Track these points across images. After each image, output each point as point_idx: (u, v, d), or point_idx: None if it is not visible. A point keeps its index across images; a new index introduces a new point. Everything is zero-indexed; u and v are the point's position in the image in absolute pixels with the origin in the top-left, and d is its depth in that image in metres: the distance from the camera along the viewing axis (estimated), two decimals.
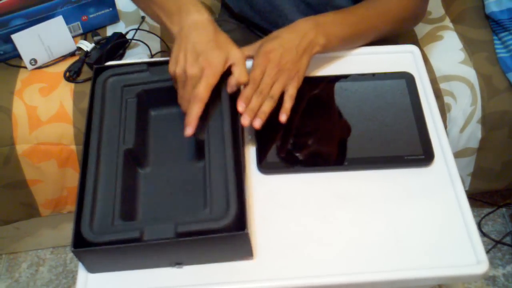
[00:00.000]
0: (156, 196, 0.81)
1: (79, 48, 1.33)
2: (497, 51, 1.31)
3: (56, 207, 1.36)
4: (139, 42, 1.35)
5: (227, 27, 1.22)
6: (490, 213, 1.61)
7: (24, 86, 1.27)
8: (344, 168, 0.85)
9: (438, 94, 1.27)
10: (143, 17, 1.41)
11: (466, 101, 1.28)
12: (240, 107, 0.82)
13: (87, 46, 1.33)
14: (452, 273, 0.75)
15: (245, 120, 0.82)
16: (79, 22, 1.35)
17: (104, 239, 0.72)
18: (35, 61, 1.29)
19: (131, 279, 0.75)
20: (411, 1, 1.01)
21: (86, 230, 0.73)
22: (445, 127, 1.24)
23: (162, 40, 1.37)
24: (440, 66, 1.30)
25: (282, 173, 0.85)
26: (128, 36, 1.34)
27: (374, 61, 0.98)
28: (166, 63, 0.85)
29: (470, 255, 0.76)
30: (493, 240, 1.56)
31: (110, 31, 1.38)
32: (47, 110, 1.24)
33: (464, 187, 0.83)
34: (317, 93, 0.95)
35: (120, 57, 1.32)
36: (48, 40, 1.27)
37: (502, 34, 1.32)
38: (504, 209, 1.63)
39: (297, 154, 0.86)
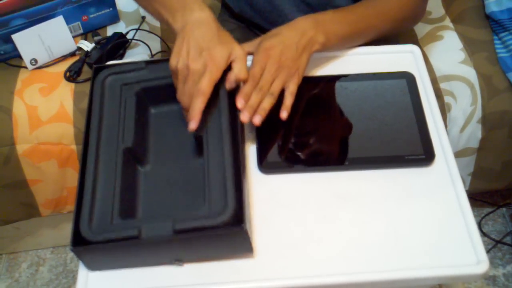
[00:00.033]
0: (156, 193, 0.81)
1: (80, 48, 1.33)
2: (497, 51, 1.31)
3: (56, 207, 1.36)
4: (139, 42, 1.35)
5: (227, 27, 1.21)
6: (490, 213, 1.61)
7: (25, 86, 1.27)
8: (345, 168, 0.85)
9: (438, 94, 1.27)
10: (143, 17, 1.41)
11: (466, 101, 1.28)
12: (239, 103, 0.82)
13: (87, 46, 1.33)
14: (452, 272, 0.75)
15: (244, 117, 0.82)
16: (79, 22, 1.35)
17: (102, 237, 0.72)
18: (36, 61, 1.29)
19: (131, 278, 0.75)
20: (410, 1, 1.01)
21: (85, 228, 0.73)
22: (445, 127, 1.24)
23: (162, 40, 1.37)
24: (440, 66, 1.30)
25: (283, 173, 0.85)
26: (129, 36, 1.34)
27: (374, 60, 0.98)
28: (165, 61, 0.85)
29: (470, 254, 0.76)
30: (493, 240, 1.56)
31: (110, 31, 1.38)
32: (48, 110, 1.24)
33: (464, 187, 0.83)
34: (317, 93, 0.95)
35: (121, 57, 1.32)
36: (48, 40, 1.27)
37: (502, 34, 1.32)
38: (504, 209, 1.63)
39: (298, 154, 0.86)
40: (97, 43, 1.33)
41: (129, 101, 0.86)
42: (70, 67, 1.29)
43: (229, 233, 0.71)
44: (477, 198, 1.61)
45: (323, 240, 0.78)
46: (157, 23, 1.42)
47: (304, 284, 0.74)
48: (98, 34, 1.37)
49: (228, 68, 0.82)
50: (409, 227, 0.79)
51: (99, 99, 0.86)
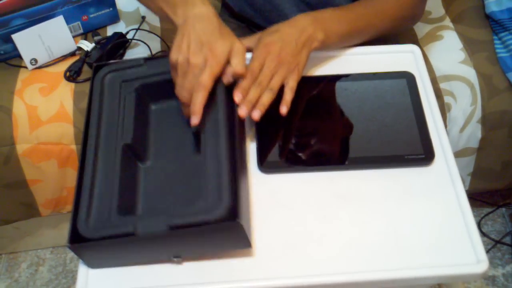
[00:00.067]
0: (155, 189, 0.81)
1: (80, 48, 1.33)
2: (497, 51, 1.31)
3: (56, 207, 1.36)
4: (139, 42, 1.35)
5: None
6: (489, 213, 1.61)
7: (25, 86, 1.27)
8: (345, 168, 0.85)
9: (438, 94, 1.27)
10: (143, 17, 1.42)
11: (466, 101, 1.29)
12: (237, 97, 0.81)
13: (87, 46, 1.33)
14: (452, 272, 0.75)
15: (242, 111, 0.81)
16: (79, 22, 1.35)
17: (98, 234, 0.72)
18: (36, 61, 1.29)
19: (131, 277, 0.75)
20: (408, 0, 1.01)
21: (82, 225, 0.73)
22: (445, 127, 1.24)
23: (162, 40, 1.37)
24: (440, 66, 1.30)
25: (283, 173, 0.85)
26: (129, 36, 1.34)
27: (374, 60, 0.99)
28: (164, 57, 0.85)
29: (470, 254, 0.76)
30: (492, 240, 1.56)
31: (110, 31, 1.38)
32: (47, 110, 1.24)
33: (464, 187, 0.83)
34: (317, 93, 0.95)
35: (121, 57, 1.32)
36: (48, 40, 1.27)
37: (502, 34, 1.32)
38: (503, 209, 1.63)
39: (298, 154, 0.86)
40: (97, 43, 1.33)
41: (128, 98, 0.86)
42: (70, 67, 1.29)
43: (224, 228, 0.70)
44: (476, 198, 1.61)
45: (323, 240, 0.78)
46: (157, 23, 1.42)
47: (304, 283, 0.74)
48: (98, 34, 1.37)
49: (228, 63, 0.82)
50: (409, 226, 0.79)
51: (99, 96, 0.86)
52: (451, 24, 1.39)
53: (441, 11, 1.43)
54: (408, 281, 0.75)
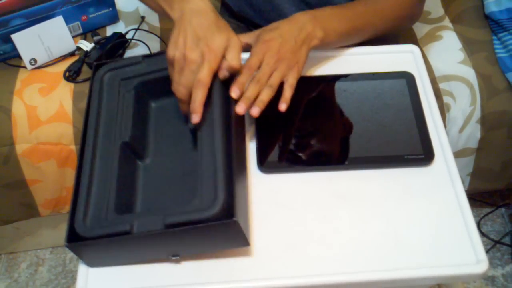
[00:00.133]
0: (153, 187, 0.81)
1: (79, 48, 1.33)
2: (496, 51, 1.31)
3: (55, 207, 1.36)
4: (138, 42, 1.35)
5: None
6: (489, 213, 1.61)
7: (24, 86, 1.27)
8: (344, 168, 0.85)
9: (438, 94, 1.27)
10: (142, 17, 1.42)
11: (465, 101, 1.29)
12: (234, 93, 0.81)
13: (86, 46, 1.33)
14: (452, 272, 0.75)
15: (240, 108, 0.80)
16: (78, 22, 1.35)
17: (95, 233, 0.72)
18: (35, 61, 1.29)
19: (131, 277, 0.75)
20: (406, 0, 1.02)
21: (79, 224, 0.73)
22: (444, 127, 1.25)
23: (162, 40, 1.37)
24: (440, 66, 1.30)
25: (283, 173, 0.85)
26: (128, 36, 1.34)
27: (374, 60, 0.99)
28: (162, 54, 0.85)
29: (469, 254, 0.76)
30: (492, 240, 1.56)
31: (110, 31, 1.38)
32: (47, 110, 1.24)
33: (464, 187, 0.83)
34: (317, 93, 0.95)
35: (120, 57, 1.32)
36: (48, 40, 1.27)
37: (501, 34, 1.32)
38: (503, 209, 1.63)
39: (298, 154, 0.86)
40: (96, 43, 1.33)
41: (127, 96, 0.85)
42: (69, 67, 1.29)
43: (220, 226, 0.70)
44: (476, 198, 1.61)
45: (323, 240, 0.78)
46: (156, 23, 1.42)
47: (303, 283, 0.74)
48: (97, 34, 1.37)
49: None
50: (409, 226, 0.79)
51: (98, 95, 0.85)
52: (450, 24, 1.39)
53: (441, 11, 1.43)
54: (407, 281, 0.75)
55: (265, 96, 0.83)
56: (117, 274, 0.76)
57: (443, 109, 1.28)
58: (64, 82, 1.27)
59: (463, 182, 1.38)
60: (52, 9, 1.29)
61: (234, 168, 0.74)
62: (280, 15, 1.11)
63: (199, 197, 0.73)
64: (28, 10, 1.27)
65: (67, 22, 1.30)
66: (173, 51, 0.80)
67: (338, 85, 0.95)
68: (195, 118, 0.78)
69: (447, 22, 1.40)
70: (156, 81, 0.87)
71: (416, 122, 0.89)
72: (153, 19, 1.42)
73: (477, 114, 1.29)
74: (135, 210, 0.79)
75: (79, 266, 0.77)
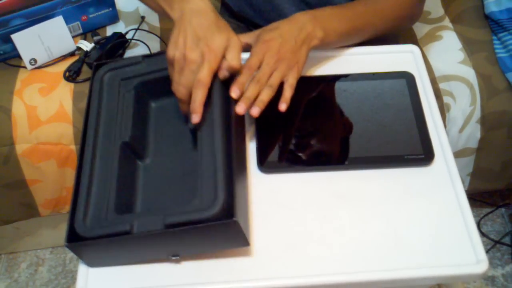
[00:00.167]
0: (153, 187, 0.81)
1: (79, 48, 1.33)
2: (496, 51, 1.31)
3: (55, 207, 1.36)
4: (138, 42, 1.35)
5: None
6: (489, 213, 1.61)
7: (24, 86, 1.27)
8: (345, 168, 0.85)
9: (437, 94, 1.27)
10: (142, 17, 1.42)
11: (465, 101, 1.29)
12: (234, 93, 0.80)
13: (86, 46, 1.33)
14: (452, 272, 0.75)
15: (240, 108, 0.80)
16: (79, 22, 1.35)
17: (95, 233, 0.72)
18: (35, 61, 1.29)
19: (131, 277, 0.75)
20: (406, 0, 1.02)
21: (79, 224, 0.73)
22: (444, 127, 1.25)
23: (162, 40, 1.37)
24: (440, 66, 1.30)
25: (283, 173, 0.85)
26: (128, 36, 1.34)
27: (374, 60, 0.99)
28: (162, 54, 0.84)
29: (469, 254, 0.76)
30: (492, 240, 1.56)
31: (110, 31, 1.38)
32: (47, 110, 1.24)
33: (464, 187, 0.83)
34: (317, 93, 0.95)
35: (120, 57, 1.32)
36: (48, 40, 1.27)
37: (501, 34, 1.32)
38: (503, 209, 1.63)
39: (298, 154, 0.86)
40: (96, 43, 1.33)
41: (127, 96, 0.85)
42: (69, 67, 1.29)
43: (220, 226, 0.70)
44: (476, 198, 1.61)
45: (323, 240, 0.78)
46: (156, 23, 1.42)
47: (303, 283, 0.74)
48: (97, 34, 1.37)
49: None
50: (409, 226, 0.79)
51: (98, 95, 0.85)
52: (450, 24, 1.39)
53: (441, 11, 1.43)
54: (407, 281, 0.75)
55: (265, 96, 0.82)
56: (117, 274, 0.76)
57: (443, 109, 1.28)
58: (64, 82, 1.27)
59: (463, 182, 1.38)
60: (52, 9, 1.29)
61: (234, 168, 0.74)
62: (280, 15, 1.11)
63: (199, 197, 0.73)
64: (28, 10, 1.27)
65: (67, 22, 1.30)
66: (173, 51, 0.79)
67: (338, 85, 0.95)
68: (195, 118, 0.78)
69: (447, 22, 1.40)
70: (156, 81, 0.87)
71: (416, 122, 0.89)
72: (153, 19, 1.42)
73: (477, 114, 1.29)
74: (135, 210, 0.79)
75: (79, 266, 0.77)
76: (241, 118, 0.85)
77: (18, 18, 1.26)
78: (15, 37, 1.24)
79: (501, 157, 1.38)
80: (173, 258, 0.75)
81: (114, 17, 1.40)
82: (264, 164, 0.85)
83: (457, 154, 1.35)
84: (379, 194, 0.82)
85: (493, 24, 1.35)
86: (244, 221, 0.73)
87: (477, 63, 1.30)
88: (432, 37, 1.37)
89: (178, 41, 0.79)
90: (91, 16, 1.35)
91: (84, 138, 0.82)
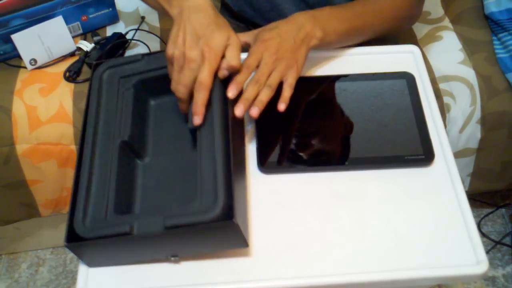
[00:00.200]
0: (152, 187, 0.81)
1: (79, 48, 1.33)
2: (497, 51, 1.31)
3: (56, 207, 1.36)
4: (138, 42, 1.35)
5: None
6: (489, 213, 1.61)
7: (24, 86, 1.27)
8: (345, 168, 0.85)
9: (438, 95, 1.27)
10: (142, 17, 1.42)
11: (465, 102, 1.29)
12: (231, 92, 0.79)
13: (87, 46, 1.33)
14: (452, 273, 0.75)
15: (238, 110, 0.79)
16: (79, 22, 1.35)
17: (95, 233, 0.72)
18: (35, 61, 1.29)
19: (131, 278, 0.75)
20: (405, 1, 1.02)
21: (79, 224, 0.73)
22: (445, 127, 1.25)
23: (161, 40, 1.37)
24: (440, 66, 1.30)
25: (283, 173, 0.85)
26: (128, 36, 1.34)
27: (374, 61, 0.99)
28: (162, 52, 0.84)
29: (470, 255, 0.76)
30: (492, 240, 1.56)
31: (110, 31, 1.38)
32: (47, 110, 1.24)
33: (464, 187, 0.83)
34: (317, 93, 0.95)
35: (120, 57, 1.32)
36: (48, 40, 1.27)
37: (501, 35, 1.32)
38: (503, 210, 1.63)
39: (298, 154, 0.86)
40: (96, 43, 1.33)
41: (126, 94, 0.85)
42: (69, 67, 1.29)
43: (220, 227, 0.70)
44: (476, 198, 1.61)
45: (323, 240, 0.78)
46: (156, 24, 1.42)
47: (304, 284, 0.74)
48: (97, 34, 1.37)
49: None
50: (409, 227, 0.79)
51: (97, 93, 0.85)
52: (450, 25, 1.39)
53: (440, 11, 1.43)
54: (407, 282, 0.75)
55: (264, 96, 0.82)
56: (117, 275, 0.76)
57: (443, 110, 1.28)
58: (64, 82, 1.27)
59: (463, 183, 1.37)
60: (52, 9, 1.29)
61: (233, 170, 0.74)
62: (280, 15, 1.11)
63: (199, 198, 0.73)
64: (28, 10, 1.27)
65: (67, 22, 1.30)
66: (172, 49, 0.79)
67: (338, 85, 0.95)
68: (197, 120, 0.78)
69: (447, 22, 1.40)
70: (155, 79, 0.87)
71: (416, 122, 0.89)
72: (153, 19, 1.42)
73: (477, 114, 1.29)
74: (134, 210, 0.79)
75: (79, 266, 0.77)
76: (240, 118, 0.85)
77: (18, 18, 1.26)
78: (15, 37, 1.24)
79: (502, 158, 1.38)
80: (172, 258, 0.75)
81: (114, 17, 1.40)
82: (265, 165, 0.85)
83: (457, 155, 1.35)
84: (379, 194, 0.82)
85: (493, 24, 1.35)
86: (243, 222, 0.73)
87: (477, 64, 1.30)
88: (432, 37, 1.37)
89: (177, 39, 0.79)
90: (91, 16, 1.35)
91: (83, 137, 0.81)
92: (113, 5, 1.37)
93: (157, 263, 0.76)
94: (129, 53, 1.34)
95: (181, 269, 0.76)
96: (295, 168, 0.85)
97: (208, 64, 0.77)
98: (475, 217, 1.55)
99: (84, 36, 1.37)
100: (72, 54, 1.32)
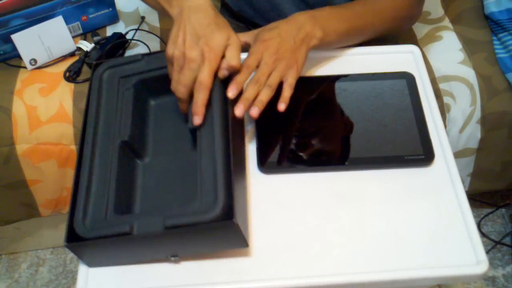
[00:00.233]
0: (152, 187, 0.81)
1: (79, 48, 1.33)
2: (497, 51, 1.31)
3: (56, 207, 1.36)
4: (138, 42, 1.35)
5: None
6: (489, 213, 1.61)
7: (24, 86, 1.27)
8: (345, 168, 0.85)
9: (438, 94, 1.27)
10: (142, 17, 1.42)
11: (465, 102, 1.29)
12: (231, 92, 0.79)
13: (87, 46, 1.33)
14: (452, 273, 0.75)
15: (238, 111, 0.79)
16: (79, 22, 1.35)
17: (95, 233, 0.72)
18: (35, 61, 1.29)
19: (131, 278, 0.75)
20: (405, 1, 1.02)
21: (79, 224, 0.73)
22: (445, 127, 1.25)
23: (161, 40, 1.37)
24: (440, 67, 1.30)
25: (283, 173, 0.85)
26: (128, 36, 1.34)
27: (374, 61, 0.99)
28: (162, 52, 0.84)
29: (470, 255, 0.76)
30: (492, 240, 1.56)
31: (110, 31, 1.38)
32: (47, 110, 1.24)
33: (464, 187, 0.83)
34: (317, 93, 0.95)
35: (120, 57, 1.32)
36: (48, 40, 1.27)
37: (501, 35, 1.32)
38: (503, 210, 1.63)
39: (298, 154, 0.86)
40: (96, 43, 1.33)
41: (126, 94, 0.85)
42: (69, 67, 1.29)
43: (220, 227, 0.70)
44: (476, 198, 1.61)
45: (323, 240, 0.78)
46: (156, 24, 1.42)
47: (304, 284, 0.74)
48: (97, 34, 1.37)
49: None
50: (409, 227, 0.79)
51: (97, 93, 0.85)
52: (450, 25, 1.39)
53: (440, 11, 1.43)
54: (407, 282, 0.75)
55: (264, 96, 0.82)
56: (117, 275, 0.76)
57: (443, 110, 1.28)
58: (64, 82, 1.27)
59: (463, 183, 1.37)
60: (52, 9, 1.29)
61: (233, 170, 0.74)
62: (280, 15, 1.11)
63: (199, 198, 0.73)
64: (28, 10, 1.27)
65: (67, 22, 1.30)
66: (172, 49, 0.79)
67: (339, 85, 0.95)
68: (197, 120, 0.78)
69: (447, 22, 1.40)
70: (155, 79, 0.87)
71: (416, 122, 0.89)
72: (153, 19, 1.42)
73: (477, 114, 1.29)
74: (134, 210, 0.79)
75: (79, 266, 0.77)
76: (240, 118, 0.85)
77: (18, 18, 1.26)
78: (15, 37, 1.24)
79: (502, 158, 1.38)
80: (172, 258, 0.75)
81: (114, 17, 1.40)
82: (265, 165, 0.85)
83: (458, 155, 1.35)
84: (379, 194, 0.82)
85: (493, 24, 1.35)
86: (243, 222, 0.73)
87: (477, 64, 1.30)
88: (432, 37, 1.37)
89: (177, 39, 0.79)
90: (91, 16, 1.35)
91: (83, 137, 0.81)
92: (113, 5, 1.37)
93: (157, 263, 0.77)
94: (129, 53, 1.34)
95: (181, 269, 0.76)
96: (295, 168, 0.85)
97: (208, 64, 0.77)
98: (475, 217, 1.55)
99: (84, 36, 1.37)
100: (72, 54, 1.32)
